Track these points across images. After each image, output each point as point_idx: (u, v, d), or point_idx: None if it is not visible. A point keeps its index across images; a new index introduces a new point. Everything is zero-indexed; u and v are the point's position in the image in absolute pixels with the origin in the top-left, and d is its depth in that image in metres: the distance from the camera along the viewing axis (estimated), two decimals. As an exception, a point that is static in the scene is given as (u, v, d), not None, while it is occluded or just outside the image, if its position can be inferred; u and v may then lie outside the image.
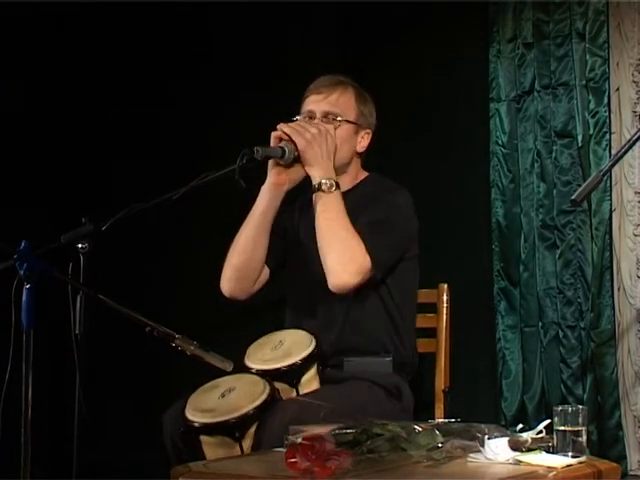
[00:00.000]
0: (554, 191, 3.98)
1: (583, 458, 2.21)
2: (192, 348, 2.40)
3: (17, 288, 2.31)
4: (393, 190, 2.97)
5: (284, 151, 2.81)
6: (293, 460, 2.08)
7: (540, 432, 2.30)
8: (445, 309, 3.15)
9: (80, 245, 2.44)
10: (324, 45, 4.41)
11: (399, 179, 3.03)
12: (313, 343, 2.76)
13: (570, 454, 2.21)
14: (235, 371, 2.58)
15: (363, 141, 3.02)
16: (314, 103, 2.97)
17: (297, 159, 2.84)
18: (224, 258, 2.97)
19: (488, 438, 2.25)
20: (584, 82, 3.92)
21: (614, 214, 3.91)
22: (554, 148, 3.99)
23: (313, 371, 2.76)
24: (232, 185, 2.62)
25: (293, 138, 2.80)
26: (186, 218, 4.22)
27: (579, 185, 3.65)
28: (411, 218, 2.97)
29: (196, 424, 2.55)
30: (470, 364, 3.97)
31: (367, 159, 3.08)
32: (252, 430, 2.54)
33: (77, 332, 2.41)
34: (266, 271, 3.01)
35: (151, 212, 2.57)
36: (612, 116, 3.91)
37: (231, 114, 4.38)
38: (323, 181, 2.81)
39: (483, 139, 4.12)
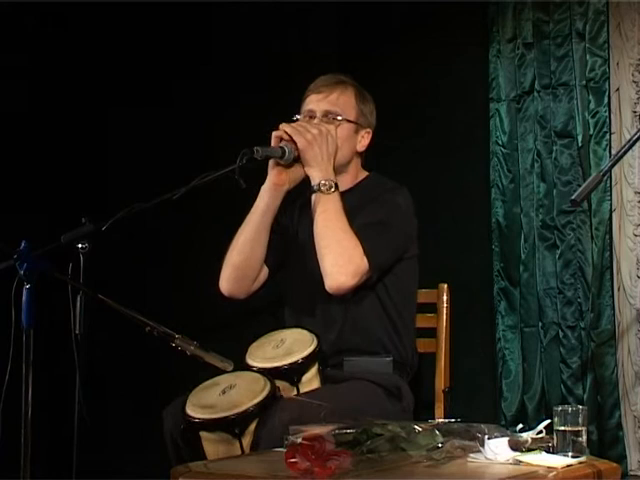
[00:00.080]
0: (554, 191, 3.98)
1: (583, 458, 2.21)
2: (192, 348, 2.40)
3: (17, 288, 2.31)
4: (393, 190, 2.97)
5: (284, 151, 2.81)
6: (293, 460, 2.08)
7: (540, 432, 2.30)
8: (445, 309, 3.15)
9: (80, 245, 2.44)
10: (324, 45, 4.41)
11: (399, 179, 3.03)
12: (315, 342, 2.76)
13: (570, 454, 2.21)
14: (236, 370, 2.59)
15: (363, 140, 3.01)
16: (314, 102, 2.97)
17: (297, 159, 2.84)
18: (224, 258, 2.98)
19: (488, 438, 2.24)
20: (584, 82, 3.92)
21: (614, 214, 3.91)
22: (554, 148, 3.98)
23: (314, 370, 2.75)
24: (232, 185, 2.62)
25: (294, 138, 2.81)
26: (186, 218, 4.22)
27: (579, 185, 3.64)
28: (411, 218, 2.97)
29: (196, 420, 2.56)
30: (470, 364, 3.97)
31: (367, 159, 3.08)
32: (252, 427, 2.54)
33: (77, 332, 2.41)
34: (265, 270, 3.01)
35: (151, 212, 2.57)
36: (612, 116, 3.91)
37: (231, 114, 4.38)
38: (322, 182, 2.81)
39: (483, 139, 4.12)
